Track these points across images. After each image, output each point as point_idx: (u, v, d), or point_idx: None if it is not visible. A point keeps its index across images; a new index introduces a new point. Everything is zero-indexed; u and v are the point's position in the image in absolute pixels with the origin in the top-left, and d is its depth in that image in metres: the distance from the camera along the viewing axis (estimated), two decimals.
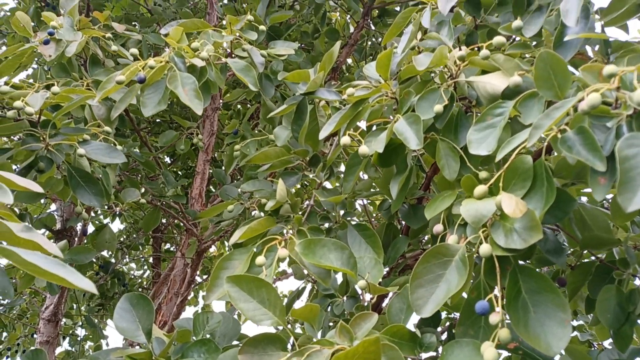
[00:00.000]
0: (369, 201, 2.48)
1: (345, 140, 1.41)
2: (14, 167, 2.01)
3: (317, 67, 1.98)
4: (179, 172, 4.18)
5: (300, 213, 1.69)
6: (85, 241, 3.50)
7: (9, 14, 3.89)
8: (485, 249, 1.09)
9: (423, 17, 1.63)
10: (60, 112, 1.75)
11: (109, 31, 2.56)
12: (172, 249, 5.42)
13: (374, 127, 1.62)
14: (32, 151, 1.83)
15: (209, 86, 1.93)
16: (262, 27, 2.22)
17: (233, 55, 2.24)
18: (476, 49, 1.46)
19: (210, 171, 3.21)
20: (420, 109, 1.41)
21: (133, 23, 3.70)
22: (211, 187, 4.04)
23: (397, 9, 3.33)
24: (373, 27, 3.41)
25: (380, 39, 3.51)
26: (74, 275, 0.73)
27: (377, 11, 3.08)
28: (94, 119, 2.23)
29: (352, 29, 3.63)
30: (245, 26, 2.21)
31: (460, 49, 1.76)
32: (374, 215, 2.51)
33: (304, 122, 1.79)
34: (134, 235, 4.94)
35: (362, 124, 1.80)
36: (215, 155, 3.88)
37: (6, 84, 1.85)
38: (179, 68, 1.80)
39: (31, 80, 2.43)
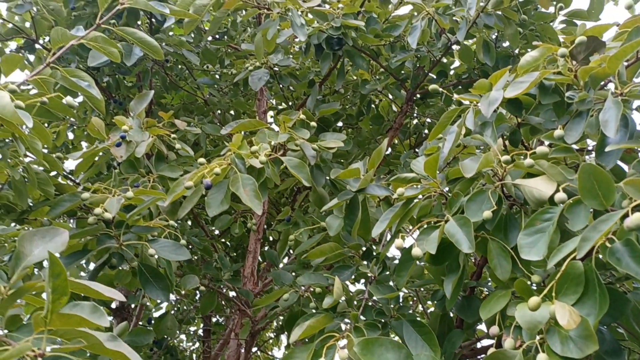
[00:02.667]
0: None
1: (398, 243, 1.49)
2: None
3: (366, 160, 2.10)
4: (232, 253, 4.32)
5: (355, 306, 1.75)
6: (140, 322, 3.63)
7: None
8: (542, 359, 1.12)
9: (467, 119, 1.73)
10: (133, 213, 1.92)
11: (172, 128, 2.80)
12: (221, 321, 5.49)
13: (424, 223, 1.69)
14: (106, 248, 1.99)
15: (266, 183, 2.07)
16: (313, 124, 2.38)
17: (286, 148, 2.40)
18: (522, 147, 1.54)
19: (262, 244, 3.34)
20: (469, 211, 1.49)
21: (190, 111, 3.99)
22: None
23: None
24: (415, 108, 3.55)
25: (422, 118, 3.64)
26: None
27: (419, 94, 3.22)
28: (159, 211, 2.41)
29: (393, 107, 3.79)
30: (297, 123, 2.38)
31: (504, 147, 1.85)
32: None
33: (357, 217, 1.89)
34: (185, 308, 5.06)
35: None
36: (266, 233, 4.01)
37: (85, 189, 2.04)
38: (240, 169, 1.95)
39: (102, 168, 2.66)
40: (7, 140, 1.83)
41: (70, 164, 4.93)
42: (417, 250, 1.47)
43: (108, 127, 2.59)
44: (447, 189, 1.75)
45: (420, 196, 1.71)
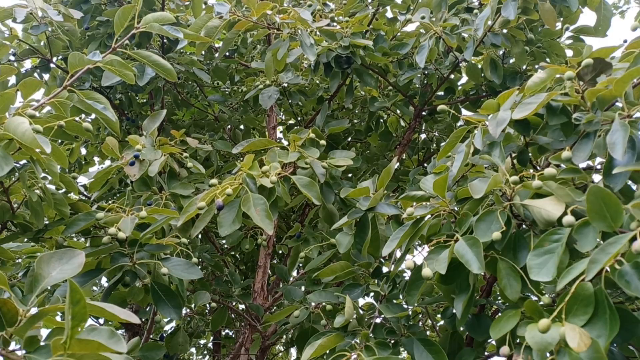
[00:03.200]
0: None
1: (409, 264, 1.51)
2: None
3: (375, 178, 2.13)
4: (241, 266, 4.35)
5: (366, 324, 1.77)
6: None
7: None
8: None
9: (475, 138, 1.75)
10: (146, 233, 1.95)
11: (184, 146, 2.84)
12: (231, 334, 5.50)
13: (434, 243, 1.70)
14: (119, 267, 2.03)
15: (277, 202, 2.10)
16: (323, 142, 2.41)
17: (296, 166, 2.43)
18: (530, 166, 1.55)
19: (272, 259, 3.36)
20: (478, 231, 1.50)
21: (201, 127, 4.04)
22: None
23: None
24: (423, 124, 3.57)
25: (430, 134, 3.66)
26: None
27: (426, 110, 3.25)
28: (171, 228, 2.45)
29: (401, 122, 3.82)
30: (307, 141, 2.41)
31: (512, 165, 1.87)
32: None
33: (367, 236, 1.91)
34: (196, 322, 5.07)
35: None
36: (275, 247, 4.03)
37: (100, 207, 2.08)
38: (251, 189, 1.98)
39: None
40: (25, 162, 1.87)
41: (83, 178, 5.01)
42: (427, 271, 1.49)
43: (121, 144, 2.63)
44: (456, 207, 1.76)
45: (429, 215, 1.73)
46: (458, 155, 1.80)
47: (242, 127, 4.23)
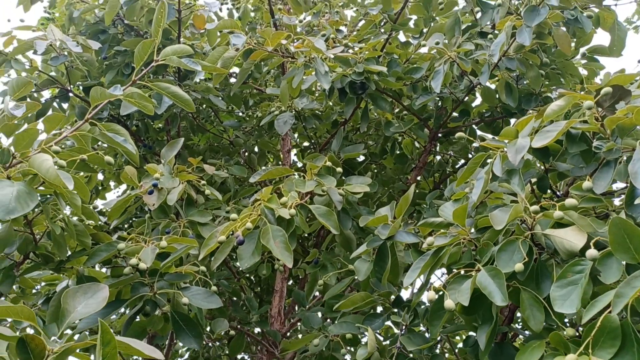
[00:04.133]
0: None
1: (430, 295, 1.50)
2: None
3: (393, 205, 2.13)
4: (257, 289, 4.34)
5: (388, 355, 1.76)
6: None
7: None
8: None
9: (494, 166, 1.75)
10: (167, 262, 1.97)
11: (201, 173, 2.87)
12: (247, 358, 5.47)
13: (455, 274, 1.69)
14: (140, 297, 2.04)
15: (295, 232, 2.10)
16: (339, 169, 2.43)
17: (313, 193, 2.44)
18: (550, 192, 1.54)
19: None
20: (500, 261, 1.50)
21: (217, 152, 4.07)
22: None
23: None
24: (438, 145, 3.57)
25: (445, 155, 3.66)
26: None
27: (441, 133, 3.25)
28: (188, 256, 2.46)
29: (416, 144, 3.82)
30: (323, 168, 2.42)
31: (532, 191, 1.86)
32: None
33: (386, 265, 1.90)
34: (210, 345, 5.06)
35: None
36: (292, 271, 4.02)
37: (120, 238, 2.11)
38: (269, 220, 2.00)
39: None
40: (48, 196, 1.90)
41: (100, 202, 5.06)
42: (450, 303, 1.48)
43: (138, 171, 2.66)
44: (475, 233, 1.76)
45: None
46: (477, 182, 1.80)
47: (256, 148, 4.27)
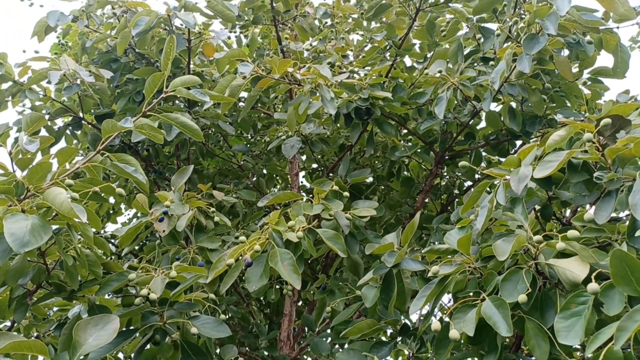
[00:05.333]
0: None
1: (435, 325, 1.52)
2: None
3: (399, 232, 2.15)
4: (266, 310, 4.35)
5: None
6: None
7: None
8: None
9: (498, 195, 1.77)
10: (176, 292, 2.00)
11: (211, 199, 2.92)
12: None
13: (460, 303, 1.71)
14: (150, 326, 2.07)
15: (303, 255, 2.13)
16: (346, 194, 2.46)
17: (320, 217, 2.47)
18: (554, 218, 1.56)
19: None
20: (504, 291, 1.51)
21: (225, 175, 4.13)
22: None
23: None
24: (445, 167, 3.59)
25: (451, 178, 3.68)
26: None
27: (447, 156, 3.28)
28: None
29: (423, 165, 3.85)
30: (330, 193, 2.45)
31: (536, 217, 1.87)
32: None
33: (393, 293, 1.92)
34: None
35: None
36: (301, 294, 4.03)
37: (131, 267, 2.14)
38: (277, 244, 2.03)
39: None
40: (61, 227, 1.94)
41: (112, 226, 5.12)
42: (455, 333, 1.50)
43: (149, 196, 2.71)
44: (480, 262, 1.77)
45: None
46: (481, 211, 1.82)
47: (264, 170, 4.31)
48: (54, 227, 1.96)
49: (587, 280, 1.39)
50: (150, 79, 2.16)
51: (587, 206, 1.75)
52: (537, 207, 1.89)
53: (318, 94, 2.72)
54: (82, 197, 1.92)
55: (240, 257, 2.02)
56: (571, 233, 1.45)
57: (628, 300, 1.27)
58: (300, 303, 4.33)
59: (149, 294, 1.93)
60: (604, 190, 1.56)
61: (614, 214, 1.85)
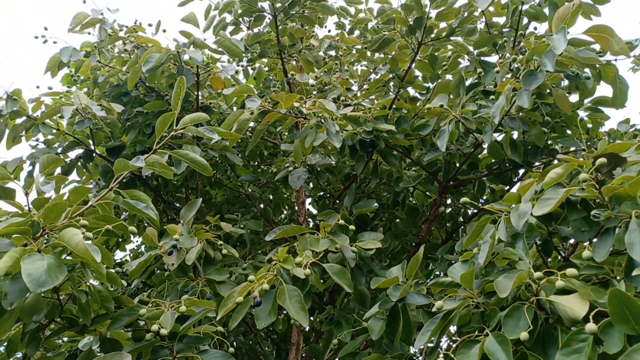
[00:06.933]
0: None
1: None
2: None
3: (403, 265, 2.19)
4: (273, 336, 4.36)
5: None
6: None
7: None
8: None
9: (499, 230, 1.82)
10: (185, 326, 2.04)
11: (219, 231, 2.97)
12: None
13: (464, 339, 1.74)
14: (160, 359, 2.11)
15: (311, 290, 2.17)
16: (352, 227, 2.51)
17: (327, 250, 2.51)
18: (555, 252, 1.60)
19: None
20: (507, 327, 1.55)
21: (233, 204, 4.19)
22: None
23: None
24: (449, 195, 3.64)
25: (455, 205, 3.72)
26: None
27: (451, 185, 3.32)
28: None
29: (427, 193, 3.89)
30: (336, 226, 2.50)
31: (538, 251, 1.91)
32: None
33: (399, 327, 1.96)
34: None
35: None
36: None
37: (141, 302, 2.19)
38: (285, 280, 2.08)
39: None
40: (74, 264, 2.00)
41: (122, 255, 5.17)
42: None
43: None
44: (482, 297, 1.81)
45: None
46: (483, 246, 1.86)
47: (270, 196, 4.37)
48: (68, 264, 2.02)
49: (587, 317, 1.42)
50: (161, 119, 2.24)
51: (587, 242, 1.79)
52: (539, 242, 1.93)
53: (323, 127, 2.78)
54: (95, 235, 1.98)
55: (248, 294, 2.06)
56: (570, 271, 1.49)
57: (627, 338, 1.30)
58: (307, 329, 4.35)
59: (159, 329, 1.97)
60: (602, 228, 1.60)
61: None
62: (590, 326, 1.29)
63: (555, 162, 2.59)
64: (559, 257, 2.08)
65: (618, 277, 1.58)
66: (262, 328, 4.24)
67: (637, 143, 1.79)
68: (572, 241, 2.40)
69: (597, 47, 2.62)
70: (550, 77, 2.44)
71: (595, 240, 1.59)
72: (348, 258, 2.45)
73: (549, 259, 1.97)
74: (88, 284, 2.06)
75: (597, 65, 2.53)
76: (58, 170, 3.57)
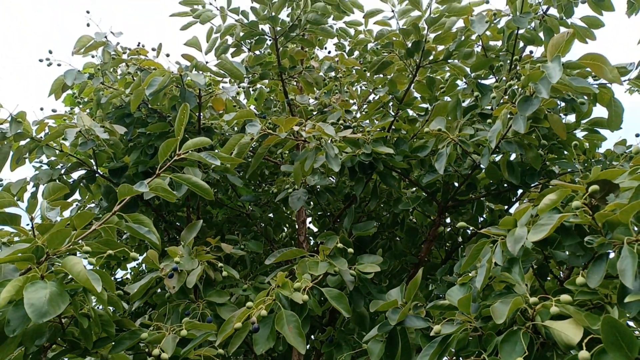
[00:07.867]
0: None
1: None
2: None
3: (402, 287, 2.22)
4: (274, 354, 4.36)
5: None
6: None
7: None
8: None
9: (495, 255, 1.85)
10: (186, 350, 2.06)
11: (219, 252, 3.00)
12: None
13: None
14: None
15: (309, 315, 2.19)
16: (350, 250, 2.53)
17: (326, 272, 2.54)
18: (552, 276, 1.62)
19: None
20: (503, 352, 1.57)
21: (234, 223, 4.22)
22: None
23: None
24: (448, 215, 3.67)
25: (455, 227, 3.75)
26: None
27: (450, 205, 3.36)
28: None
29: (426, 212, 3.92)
30: (335, 249, 2.53)
31: (534, 274, 1.94)
32: None
33: (398, 350, 1.98)
34: None
35: None
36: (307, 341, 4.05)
37: (143, 325, 2.21)
38: (283, 305, 2.10)
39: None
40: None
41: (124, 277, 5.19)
42: None
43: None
44: (480, 322, 1.83)
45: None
46: (480, 270, 1.89)
47: (271, 215, 4.40)
48: (71, 290, 2.04)
49: (582, 342, 1.44)
50: (165, 145, 2.28)
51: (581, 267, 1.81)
52: (535, 266, 1.96)
53: (323, 149, 2.83)
54: (97, 261, 2.01)
55: (247, 319, 2.08)
56: (564, 298, 1.51)
57: None
58: (308, 346, 4.35)
59: (160, 354, 1.99)
60: (596, 254, 1.63)
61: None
62: (583, 354, 1.31)
63: (553, 182, 2.62)
64: (556, 284, 2.10)
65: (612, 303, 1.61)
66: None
67: (630, 169, 1.83)
68: (566, 270, 2.42)
69: None
70: (546, 103, 2.48)
71: (588, 267, 1.62)
72: (347, 281, 2.47)
73: (548, 278, 2.00)
74: (89, 307, 2.09)
75: (591, 97, 2.58)
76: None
